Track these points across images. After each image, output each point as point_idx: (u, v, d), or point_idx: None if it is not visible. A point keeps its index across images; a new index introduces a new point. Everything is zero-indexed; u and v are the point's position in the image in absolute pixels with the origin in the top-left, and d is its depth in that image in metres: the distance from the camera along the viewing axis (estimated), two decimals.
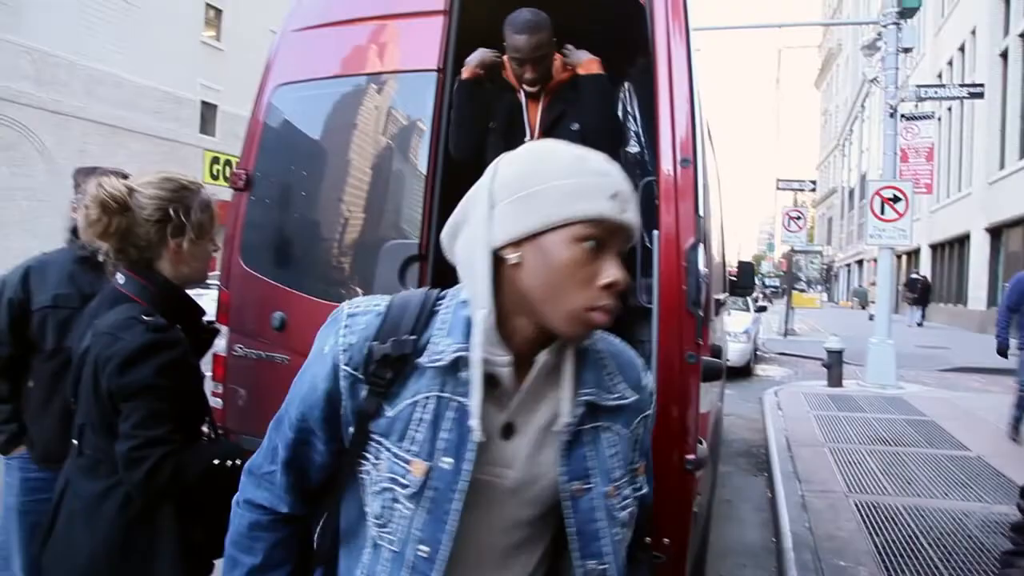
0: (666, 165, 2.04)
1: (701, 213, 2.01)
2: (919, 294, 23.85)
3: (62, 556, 1.65)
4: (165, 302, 1.75)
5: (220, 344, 2.99)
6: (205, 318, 1.92)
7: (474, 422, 0.97)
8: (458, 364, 0.99)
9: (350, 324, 1.05)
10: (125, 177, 2.61)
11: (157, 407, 1.61)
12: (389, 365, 1.01)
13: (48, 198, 18.32)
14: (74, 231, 2.56)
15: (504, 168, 0.99)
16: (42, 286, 2.46)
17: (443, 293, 1.08)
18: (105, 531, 1.62)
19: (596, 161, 0.98)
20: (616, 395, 1.08)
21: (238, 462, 1.66)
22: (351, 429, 1.04)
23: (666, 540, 1.98)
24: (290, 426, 1.09)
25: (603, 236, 0.94)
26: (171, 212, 1.75)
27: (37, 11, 17.56)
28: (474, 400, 0.97)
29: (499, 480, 1.02)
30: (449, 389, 1.00)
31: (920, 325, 22.99)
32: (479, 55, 2.75)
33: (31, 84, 17.76)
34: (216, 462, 1.67)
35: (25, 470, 2.46)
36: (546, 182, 0.94)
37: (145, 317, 1.65)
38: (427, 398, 1.00)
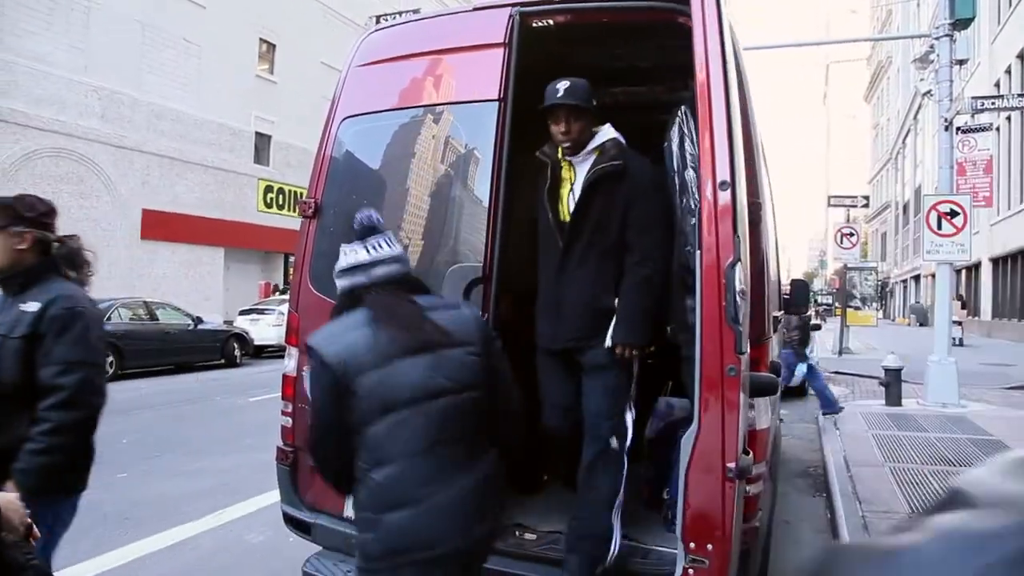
0: (707, 187, 2.12)
1: (739, 234, 2.07)
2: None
3: None
4: None
5: (290, 365, 3.13)
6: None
7: None
8: None
9: None
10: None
11: None
12: None
13: (112, 228, 19.12)
14: None
15: None
16: None
17: None
18: None
19: None
20: None
21: None
22: None
23: (709, 546, 2.02)
24: None
25: None
26: None
27: (104, 52, 18.50)
28: None
29: None
30: None
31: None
32: None
33: (98, 121, 18.66)
34: None
35: None
36: None
37: None
38: None
